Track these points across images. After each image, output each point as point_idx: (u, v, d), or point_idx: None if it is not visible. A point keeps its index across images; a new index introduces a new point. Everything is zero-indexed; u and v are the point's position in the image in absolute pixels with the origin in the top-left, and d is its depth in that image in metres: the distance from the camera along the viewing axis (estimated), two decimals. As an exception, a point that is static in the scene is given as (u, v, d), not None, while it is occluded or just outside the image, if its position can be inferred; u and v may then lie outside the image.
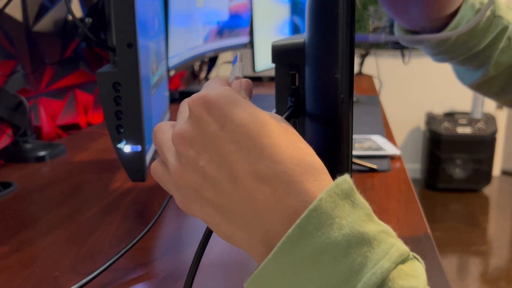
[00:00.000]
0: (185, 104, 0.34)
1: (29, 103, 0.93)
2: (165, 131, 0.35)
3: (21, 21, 1.01)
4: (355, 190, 0.28)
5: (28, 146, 0.91)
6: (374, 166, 0.80)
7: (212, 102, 0.30)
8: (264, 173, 0.28)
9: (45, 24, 1.06)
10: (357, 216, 0.27)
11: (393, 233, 0.28)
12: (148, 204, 0.69)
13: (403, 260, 0.27)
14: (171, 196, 0.68)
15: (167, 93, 0.96)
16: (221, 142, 0.29)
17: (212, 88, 0.31)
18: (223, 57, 2.16)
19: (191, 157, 0.30)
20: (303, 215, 0.27)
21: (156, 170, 0.34)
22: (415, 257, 0.28)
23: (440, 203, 3.04)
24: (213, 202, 0.30)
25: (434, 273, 0.47)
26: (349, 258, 0.26)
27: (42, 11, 1.05)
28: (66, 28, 1.12)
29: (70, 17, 1.12)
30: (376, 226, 0.27)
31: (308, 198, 0.28)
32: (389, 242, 0.27)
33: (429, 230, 0.58)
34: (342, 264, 0.26)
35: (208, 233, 0.35)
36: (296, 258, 0.27)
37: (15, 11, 0.98)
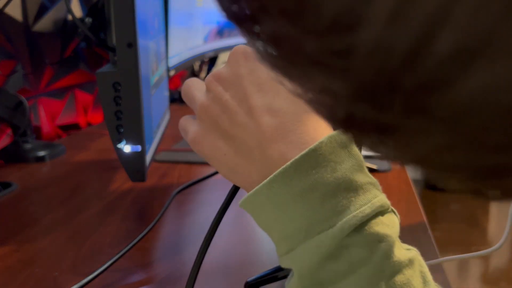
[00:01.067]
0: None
1: (29, 103, 0.93)
2: (195, 81, 0.39)
3: (21, 21, 1.00)
4: (353, 142, 0.31)
5: (28, 146, 0.91)
6: (374, 166, 0.80)
7: (250, 53, 0.34)
8: (277, 108, 0.31)
9: (45, 24, 1.06)
10: (351, 164, 0.30)
11: (379, 187, 0.31)
12: (148, 205, 0.69)
13: (383, 212, 0.30)
14: (173, 197, 0.68)
15: (167, 93, 0.96)
16: (246, 83, 0.32)
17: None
18: (223, 57, 2.16)
19: (218, 92, 0.34)
20: (302, 153, 0.29)
21: (182, 119, 0.39)
22: (393, 211, 0.31)
23: (440, 203, 3.04)
24: (227, 132, 0.33)
25: (434, 273, 0.47)
26: (335, 198, 0.29)
27: (41, 11, 1.05)
28: (66, 28, 1.12)
29: (70, 17, 1.12)
30: (365, 177, 0.31)
31: (309, 138, 0.30)
32: (374, 193, 0.30)
33: (429, 230, 0.58)
34: (328, 203, 0.29)
35: (209, 234, 0.35)
36: (288, 190, 0.29)
37: (15, 11, 0.98)
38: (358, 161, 0.31)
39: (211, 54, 1.59)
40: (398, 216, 0.32)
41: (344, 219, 0.28)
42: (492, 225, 2.69)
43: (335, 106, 0.12)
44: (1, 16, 0.93)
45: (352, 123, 0.12)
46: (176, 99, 1.54)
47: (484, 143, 0.10)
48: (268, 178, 0.30)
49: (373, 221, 0.29)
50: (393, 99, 0.10)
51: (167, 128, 0.91)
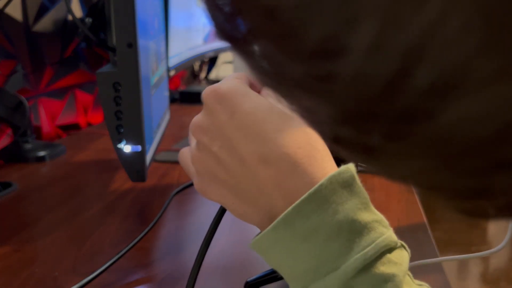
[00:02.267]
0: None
1: (29, 103, 0.93)
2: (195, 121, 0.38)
3: (21, 21, 1.00)
4: (357, 179, 0.31)
5: (28, 146, 0.91)
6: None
7: (222, 94, 0.32)
8: (268, 155, 0.30)
9: (45, 24, 1.06)
10: (353, 204, 0.30)
11: (386, 223, 0.31)
12: (148, 205, 0.69)
13: (390, 249, 0.29)
14: (172, 197, 0.68)
15: (167, 93, 0.96)
16: (230, 130, 0.31)
17: (225, 81, 0.34)
18: (223, 57, 2.16)
19: (206, 143, 0.33)
20: (303, 197, 0.29)
21: (182, 156, 0.38)
22: (402, 246, 0.31)
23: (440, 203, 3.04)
24: (227, 183, 0.33)
25: (434, 273, 0.47)
26: (338, 241, 0.29)
27: (42, 11, 1.05)
28: (66, 28, 1.12)
29: (70, 17, 1.12)
30: (370, 215, 0.30)
31: (309, 180, 0.30)
32: (379, 232, 0.29)
33: (429, 230, 0.58)
34: (331, 245, 0.29)
35: (209, 234, 0.35)
36: (292, 233, 0.29)
37: (15, 11, 0.98)
38: (361, 199, 0.30)
39: (211, 54, 1.59)
40: (409, 250, 0.31)
41: (347, 262, 0.28)
42: (492, 226, 2.69)
43: (322, 125, 0.12)
44: (1, 16, 0.93)
45: (339, 142, 0.12)
46: (176, 99, 1.54)
47: (464, 167, 0.11)
48: (272, 224, 0.30)
49: (380, 261, 0.29)
50: (375, 125, 0.11)
51: (167, 128, 0.91)
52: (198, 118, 0.34)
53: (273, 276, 0.41)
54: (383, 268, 0.28)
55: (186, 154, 0.38)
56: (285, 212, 0.30)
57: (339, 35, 0.10)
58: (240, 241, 0.57)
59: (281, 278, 0.41)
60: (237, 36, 0.12)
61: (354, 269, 0.28)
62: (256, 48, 0.12)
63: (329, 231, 0.29)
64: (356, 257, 0.28)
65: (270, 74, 0.12)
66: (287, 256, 0.30)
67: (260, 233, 0.32)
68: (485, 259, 2.17)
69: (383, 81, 0.10)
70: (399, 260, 0.30)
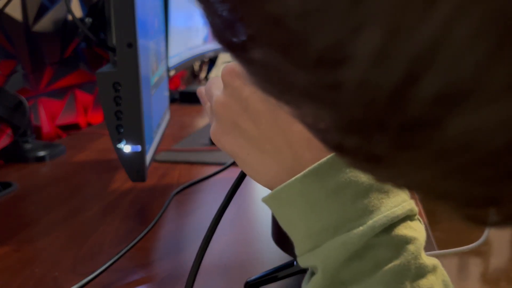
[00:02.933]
0: None
1: (29, 103, 0.93)
2: (216, 79, 0.36)
3: (21, 21, 1.00)
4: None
5: (28, 146, 0.91)
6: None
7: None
8: None
9: (45, 24, 1.06)
10: None
11: (408, 193, 0.31)
12: (148, 205, 0.69)
13: (411, 217, 0.30)
14: (172, 197, 0.68)
15: (167, 93, 0.96)
16: None
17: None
18: (223, 57, 2.16)
19: (236, 87, 0.31)
20: None
21: (201, 92, 0.37)
22: (419, 219, 0.31)
23: (440, 203, 3.04)
24: (248, 133, 0.31)
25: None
26: (367, 198, 0.29)
27: (41, 11, 1.05)
28: (66, 28, 1.12)
29: (70, 17, 1.12)
30: None
31: None
32: (403, 197, 0.30)
33: (429, 230, 0.58)
34: (360, 202, 0.28)
35: (208, 234, 0.35)
36: (321, 186, 0.29)
37: (15, 11, 0.98)
38: None
39: (211, 54, 1.59)
40: (424, 225, 0.32)
41: (375, 218, 0.28)
42: (492, 225, 2.68)
43: (326, 133, 0.12)
44: (1, 16, 0.93)
45: (343, 151, 0.12)
46: (176, 99, 1.54)
47: (475, 176, 0.11)
48: (302, 173, 0.29)
49: (402, 224, 0.29)
50: (382, 134, 0.11)
51: (167, 128, 0.91)
52: (233, 63, 0.32)
53: (273, 276, 0.41)
54: (405, 230, 0.29)
55: (211, 92, 0.35)
56: (318, 163, 0.29)
57: (344, 44, 0.09)
58: (240, 241, 0.57)
59: (281, 278, 0.41)
60: (236, 43, 0.12)
61: (381, 225, 0.28)
62: (257, 55, 0.12)
63: (359, 188, 0.29)
64: (385, 214, 0.28)
65: (273, 82, 0.12)
66: (310, 210, 0.29)
67: (283, 184, 0.30)
68: (485, 259, 2.17)
69: (389, 90, 0.09)
70: (419, 229, 0.30)
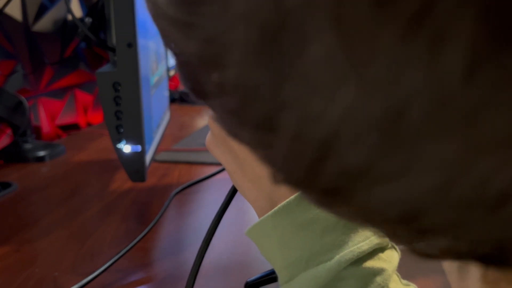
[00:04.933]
0: None
1: (28, 103, 0.93)
2: None
3: (21, 21, 1.00)
4: None
5: (28, 146, 0.91)
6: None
7: None
8: None
9: (44, 24, 1.06)
10: None
11: None
12: (147, 205, 0.69)
13: (383, 248, 0.31)
14: (172, 197, 0.68)
15: (167, 93, 0.96)
16: None
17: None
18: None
19: None
20: None
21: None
22: (393, 247, 0.32)
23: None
24: (235, 153, 0.33)
25: (434, 273, 0.47)
26: (334, 234, 0.30)
27: (41, 11, 1.05)
28: (65, 28, 1.12)
29: (69, 17, 1.12)
30: None
31: None
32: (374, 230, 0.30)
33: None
34: (327, 237, 0.30)
35: (209, 234, 0.35)
36: (291, 221, 0.30)
37: (14, 11, 0.98)
38: None
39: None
40: (399, 252, 0.33)
41: (342, 253, 0.29)
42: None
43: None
44: (1, 16, 0.93)
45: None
46: (176, 99, 1.54)
47: (390, 232, 0.13)
48: (273, 210, 0.31)
49: (372, 256, 0.30)
50: (310, 193, 0.13)
51: (167, 128, 0.91)
52: None
53: (273, 276, 0.41)
54: (373, 262, 0.30)
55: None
56: (287, 200, 0.30)
57: (272, 117, 0.11)
58: (240, 242, 0.57)
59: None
60: (199, 96, 0.14)
61: (347, 260, 0.29)
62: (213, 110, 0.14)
63: (327, 223, 0.30)
64: (351, 249, 0.29)
65: (226, 127, 0.14)
66: (283, 243, 0.31)
67: (259, 220, 0.32)
68: (485, 259, 2.16)
69: (305, 164, 0.11)
70: (389, 259, 0.31)
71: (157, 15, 0.13)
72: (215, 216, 0.37)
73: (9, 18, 0.97)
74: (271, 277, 0.41)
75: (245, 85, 0.11)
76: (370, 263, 0.30)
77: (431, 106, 0.09)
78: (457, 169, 0.10)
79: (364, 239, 0.30)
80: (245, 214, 0.64)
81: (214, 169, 0.75)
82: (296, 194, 0.30)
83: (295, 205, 0.30)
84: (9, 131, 0.94)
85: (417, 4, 0.08)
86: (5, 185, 0.74)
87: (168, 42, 0.13)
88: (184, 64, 0.13)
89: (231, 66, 0.11)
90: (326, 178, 0.11)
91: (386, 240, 0.31)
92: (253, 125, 0.12)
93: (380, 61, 0.09)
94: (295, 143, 0.11)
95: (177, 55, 0.13)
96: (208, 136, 0.36)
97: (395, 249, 0.32)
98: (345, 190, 0.12)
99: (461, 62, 0.09)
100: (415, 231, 0.12)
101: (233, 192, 0.37)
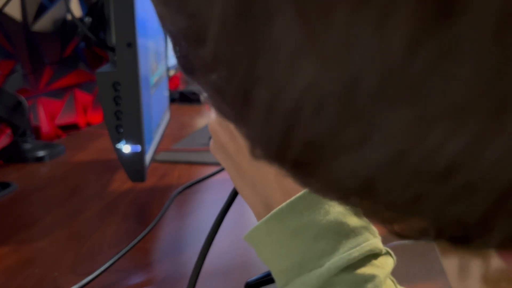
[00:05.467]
0: None
1: (28, 103, 0.93)
2: None
3: (20, 20, 1.00)
4: None
5: (27, 146, 0.91)
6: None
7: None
8: None
9: (44, 23, 1.06)
10: (344, 208, 0.30)
11: (374, 231, 0.32)
12: (147, 205, 0.68)
13: (375, 255, 0.31)
14: (173, 198, 0.68)
15: (167, 93, 0.96)
16: None
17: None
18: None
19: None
20: (298, 195, 0.31)
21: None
22: (388, 253, 0.32)
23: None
24: (234, 159, 0.35)
25: (435, 274, 0.47)
26: (325, 240, 0.30)
27: (41, 10, 1.05)
28: (65, 27, 1.12)
29: (69, 17, 1.12)
30: (358, 221, 0.32)
31: None
32: (365, 237, 0.31)
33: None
34: (319, 243, 0.30)
35: (210, 235, 0.35)
36: (283, 228, 0.31)
37: (14, 10, 0.98)
38: None
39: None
40: (395, 258, 0.33)
41: (332, 260, 0.30)
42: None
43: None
44: (0, 15, 0.93)
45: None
46: (175, 99, 1.54)
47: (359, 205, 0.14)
48: (266, 217, 0.32)
49: (363, 263, 0.30)
50: (283, 166, 0.13)
51: (166, 128, 0.91)
52: None
53: (273, 277, 0.41)
54: (364, 269, 0.30)
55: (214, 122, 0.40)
56: (280, 207, 0.31)
57: (248, 92, 0.12)
58: (240, 242, 0.56)
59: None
60: (189, 71, 0.14)
61: (337, 267, 0.29)
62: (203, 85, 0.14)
63: (318, 230, 0.30)
64: (341, 256, 0.30)
65: (217, 110, 0.14)
66: (277, 249, 0.32)
67: (254, 226, 0.33)
68: (486, 260, 2.17)
69: (278, 137, 0.12)
70: (382, 265, 0.31)
71: None
72: (217, 216, 0.37)
73: (9, 18, 0.97)
74: (271, 277, 0.41)
75: (223, 60, 0.12)
76: (362, 270, 0.30)
77: (381, 77, 0.10)
78: (409, 139, 0.10)
79: (355, 245, 0.30)
80: (246, 214, 0.64)
81: (214, 169, 0.74)
82: (288, 201, 0.31)
83: (287, 212, 0.31)
84: (8, 131, 0.94)
85: None
86: (5, 185, 0.74)
87: (161, 19, 0.14)
88: (175, 41, 0.14)
89: (210, 41, 0.12)
90: (295, 150, 0.12)
91: (379, 247, 0.31)
92: (232, 99, 0.13)
93: (334, 34, 0.10)
94: (267, 116, 0.12)
95: (169, 31, 0.14)
96: (211, 141, 0.38)
97: (391, 255, 0.33)
98: (312, 161, 0.12)
99: (405, 33, 0.09)
100: (379, 205, 0.12)
101: (235, 192, 0.37)
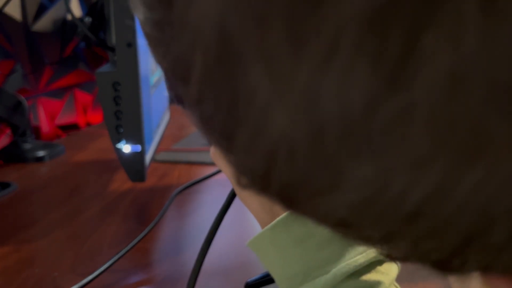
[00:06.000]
0: None
1: (28, 103, 0.93)
2: None
3: (20, 20, 1.00)
4: None
5: (27, 146, 0.91)
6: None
7: None
8: None
9: (44, 23, 1.06)
10: None
11: None
12: (147, 205, 0.68)
13: (380, 261, 0.31)
14: (173, 198, 0.68)
15: (166, 93, 0.96)
16: None
17: None
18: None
19: None
20: None
21: None
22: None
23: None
24: None
25: (435, 276, 0.47)
26: (330, 248, 0.30)
27: (41, 10, 1.05)
28: (65, 27, 1.12)
29: (69, 17, 1.12)
30: None
31: None
32: None
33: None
34: (324, 250, 0.30)
35: (210, 235, 0.35)
36: (288, 235, 0.31)
37: (14, 10, 0.98)
38: None
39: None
40: (399, 264, 0.33)
41: (338, 267, 0.30)
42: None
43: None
44: (0, 15, 0.93)
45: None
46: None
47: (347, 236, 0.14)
48: (272, 223, 0.32)
49: (368, 269, 0.31)
50: (268, 194, 0.14)
51: (166, 128, 0.91)
52: None
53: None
54: (370, 275, 0.30)
55: None
56: (285, 214, 0.31)
57: (230, 130, 0.13)
58: (240, 242, 0.56)
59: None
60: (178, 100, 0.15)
61: (343, 273, 0.29)
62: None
63: (324, 237, 0.30)
64: (348, 263, 0.30)
65: (201, 132, 0.15)
66: (281, 257, 0.32)
67: (258, 233, 0.33)
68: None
69: (259, 172, 0.13)
70: (387, 271, 0.31)
71: (142, 30, 0.15)
72: (217, 216, 0.37)
73: (9, 18, 0.97)
74: (271, 277, 0.41)
75: (207, 99, 0.13)
76: (367, 276, 0.30)
77: (342, 132, 0.11)
78: (373, 188, 0.11)
79: (361, 252, 0.30)
80: (245, 214, 0.64)
81: (214, 169, 0.74)
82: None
83: (292, 220, 0.31)
84: (8, 131, 0.94)
85: (326, 44, 0.10)
86: (5, 185, 0.74)
87: (153, 56, 0.15)
88: (165, 75, 0.15)
89: (194, 82, 0.13)
90: (276, 187, 0.13)
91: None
92: (218, 134, 0.13)
93: (299, 90, 0.10)
94: (248, 154, 0.13)
95: (160, 66, 0.15)
96: (211, 148, 0.37)
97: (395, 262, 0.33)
98: (292, 199, 0.13)
99: (361, 99, 0.10)
100: (358, 238, 0.14)
101: (234, 192, 0.37)
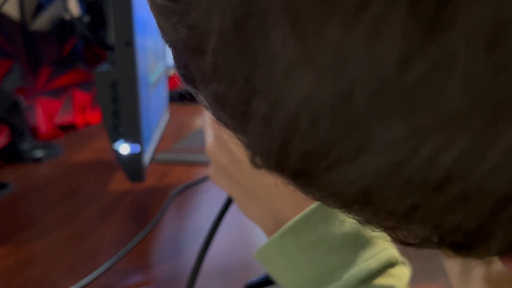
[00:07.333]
0: None
1: (26, 102, 0.92)
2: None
3: (18, 19, 1.00)
4: None
5: (25, 146, 0.90)
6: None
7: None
8: None
9: (42, 22, 1.05)
10: None
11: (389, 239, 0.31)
12: (146, 205, 0.68)
13: (392, 264, 0.30)
14: (173, 199, 0.68)
15: (166, 93, 0.96)
16: None
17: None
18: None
19: (224, 139, 0.34)
20: (312, 207, 0.29)
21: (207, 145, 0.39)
22: (403, 263, 0.31)
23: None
24: (237, 179, 0.33)
25: (437, 276, 0.47)
26: (341, 253, 0.29)
27: (39, 9, 1.04)
28: (63, 26, 1.11)
29: (67, 16, 1.12)
30: None
31: None
32: (382, 247, 0.30)
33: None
34: (334, 256, 0.29)
35: (209, 236, 0.35)
36: (297, 242, 0.30)
37: (12, 9, 0.98)
38: None
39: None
40: (409, 268, 0.32)
41: (350, 272, 0.29)
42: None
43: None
44: (-2, 15, 0.92)
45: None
46: (175, 98, 1.53)
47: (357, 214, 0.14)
48: (279, 232, 0.31)
49: (381, 274, 0.30)
50: (283, 175, 0.14)
51: (166, 128, 0.91)
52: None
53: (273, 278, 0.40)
54: (383, 280, 0.29)
55: (205, 135, 0.39)
56: (293, 220, 0.30)
57: (246, 103, 0.12)
58: (240, 243, 0.56)
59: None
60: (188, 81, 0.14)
61: (356, 279, 0.29)
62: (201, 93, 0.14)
63: (334, 242, 0.29)
64: (360, 268, 0.29)
65: (214, 115, 0.15)
66: (290, 265, 0.31)
67: (265, 243, 0.32)
68: (488, 261, 2.17)
69: (276, 147, 0.12)
70: (399, 275, 0.30)
71: (151, 4, 0.14)
72: (216, 218, 0.36)
73: (6, 17, 0.97)
74: (271, 279, 0.41)
75: (221, 71, 0.12)
76: (380, 280, 0.29)
77: (374, 91, 0.10)
78: (403, 151, 0.10)
79: (373, 255, 0.29)
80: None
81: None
82: (301, 214, 0.30)
83: (302, 225, 0.30)
84: (6, 131, 0.93)
85: None
86: (2, 186, 0.74)
87: (161, 30, 0.14)
88: (175, 51, 0.14)
89: (209, 52, 0.12)
90: (294, 160, 0.12)
91: (396, 256, 0.30)
92: (231, 110, 0.13)
93: (328, 49, 0.10)
94: (265, 127, 0.12)
95: (169, 42, 0.14)
96: (210, 168, 0.36)
97: (405, 265, 0.32)
98: (311, 171, 0.12)
99: (396, 49, 0.09)
100: (380, 214, 0.13)
101: None
